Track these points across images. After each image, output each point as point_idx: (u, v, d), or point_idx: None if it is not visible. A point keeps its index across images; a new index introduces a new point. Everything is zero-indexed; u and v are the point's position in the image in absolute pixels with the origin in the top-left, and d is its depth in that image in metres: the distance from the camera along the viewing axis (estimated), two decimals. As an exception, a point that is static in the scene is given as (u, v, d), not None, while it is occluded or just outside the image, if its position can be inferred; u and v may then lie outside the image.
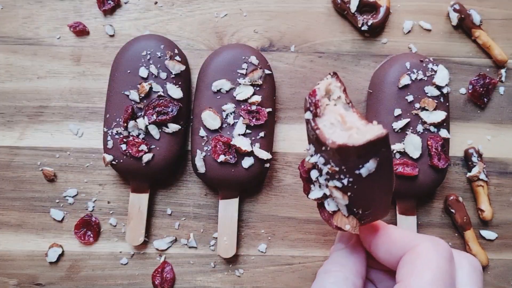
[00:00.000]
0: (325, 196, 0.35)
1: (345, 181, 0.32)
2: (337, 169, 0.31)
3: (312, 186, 0.36)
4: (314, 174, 0.35)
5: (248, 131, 0.49)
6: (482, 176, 0.53)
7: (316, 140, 0.32)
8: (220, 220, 0.51)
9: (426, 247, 0.31)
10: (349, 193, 0.32)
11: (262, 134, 0.50)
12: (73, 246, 0.53)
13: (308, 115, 0.33)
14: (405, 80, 0.49)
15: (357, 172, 0.31)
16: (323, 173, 0.33)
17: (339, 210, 0.35)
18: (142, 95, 0.49)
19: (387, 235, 0.34)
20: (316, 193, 0.35)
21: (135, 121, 0.49)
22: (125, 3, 0.54)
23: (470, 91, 0.54)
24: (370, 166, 0.30)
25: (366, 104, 0.53)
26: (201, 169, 0.50)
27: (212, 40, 0.54)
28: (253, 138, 0.49)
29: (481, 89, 0.54)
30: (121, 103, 0.49)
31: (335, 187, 0.33)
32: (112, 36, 0.54)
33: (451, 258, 0.32)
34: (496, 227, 0.54)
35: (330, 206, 0.35)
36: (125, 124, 0.49)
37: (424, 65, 0.50)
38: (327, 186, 0.34)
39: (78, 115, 0.54)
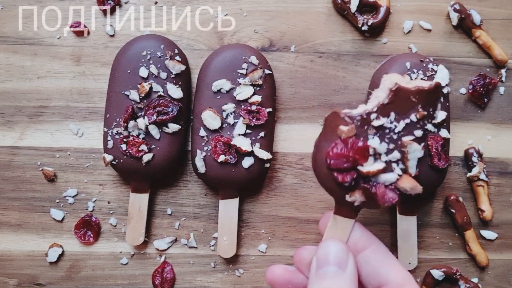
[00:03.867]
0: (385, 168, 0.34)
1: (418, 132, 0.34)
2: (425, 113, 0.34)
3: (361, 166, 0.34)
4: (375, 142, 0.34)
5: (248, 131, 0.49)
6: (482, 176, 0.53)
7: (397, 96, 0.34)
8: (220, 220, 0.51)
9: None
10: (423, 144, 0.35)
11: (262, 134, 0.50)
12: (73, 246, 0.53)
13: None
14: (405, 80, 0.49)
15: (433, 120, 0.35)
16: (394, 132, 0.34)
17: (404, 173, 0.35)
18: (142, 95, 0.49)
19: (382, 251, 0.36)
20: (377, 165, 0.34)
21: (135, 121, 0.49)
22: (125, 3, 0.54)
23: (470, 91, 0.54)
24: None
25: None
26: (201, 169, 0.50)
27: (212, 40, 0.54)
28: (253, 138, 0.49)
29: (481, 89, 0.54)
30: (121, 103, 0.49)
31: (411, 140, 0.34)
32: (112, 36, 0.54)
33: None
34: (496, 227, 0.54)
35: (396, 170, 0.35)
36: (125, 124, 0.49)
37: (424, 65, 0.50)
38: (396, 146, 0.34)
39: (78, 115, 0.54)
